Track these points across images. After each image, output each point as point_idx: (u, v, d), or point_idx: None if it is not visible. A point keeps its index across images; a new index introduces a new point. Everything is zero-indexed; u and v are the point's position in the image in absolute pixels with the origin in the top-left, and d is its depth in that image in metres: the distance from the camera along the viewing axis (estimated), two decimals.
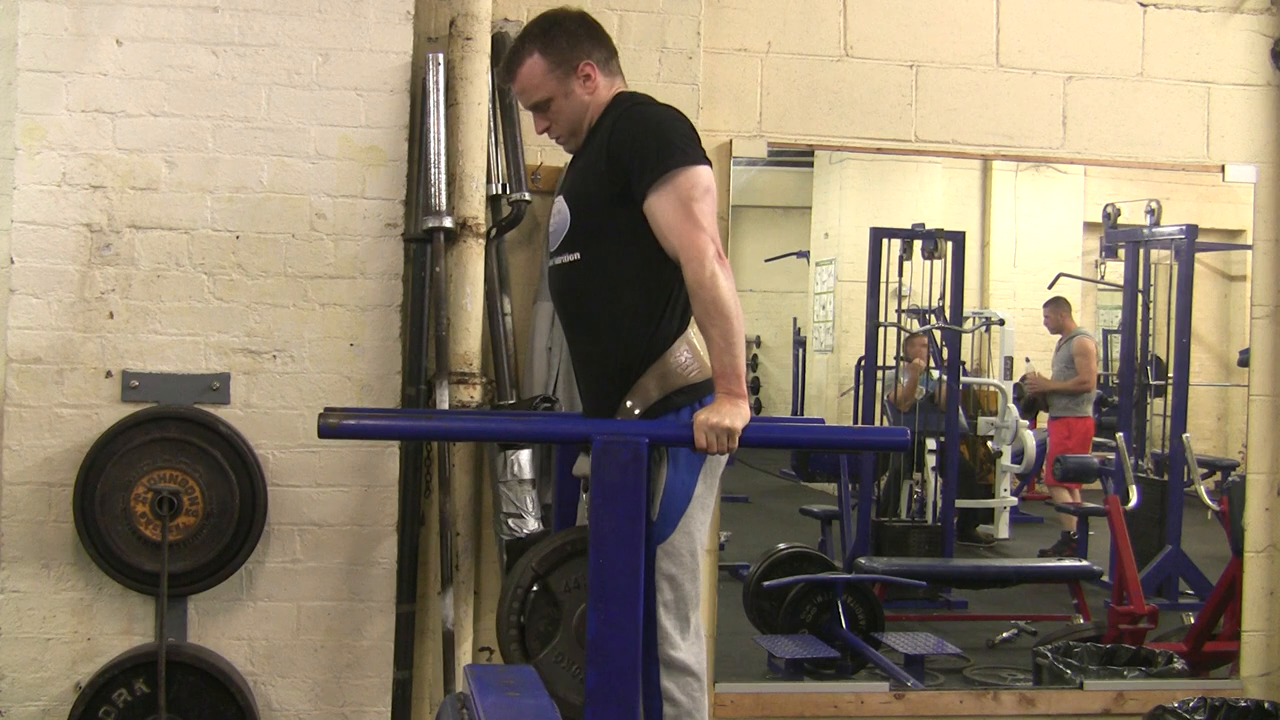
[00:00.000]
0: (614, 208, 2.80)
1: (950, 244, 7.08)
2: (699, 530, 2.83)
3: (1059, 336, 7.93)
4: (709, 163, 2.80)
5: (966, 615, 6.22)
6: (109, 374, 3.62)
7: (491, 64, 3.80)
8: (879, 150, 4.36)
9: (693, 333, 2.86)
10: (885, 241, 7.17)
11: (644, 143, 2.76)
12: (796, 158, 8.92)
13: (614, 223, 2.81)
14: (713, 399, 2.73)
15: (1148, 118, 4.45)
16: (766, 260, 10.41)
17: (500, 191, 3.83)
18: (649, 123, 2.81)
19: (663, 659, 2.76)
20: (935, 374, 7.41)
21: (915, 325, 7.51)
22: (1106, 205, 7.61)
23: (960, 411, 7.35)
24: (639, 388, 2.81)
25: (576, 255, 2.88)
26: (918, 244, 7.18)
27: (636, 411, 2.80)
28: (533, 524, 3.66)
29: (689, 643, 2.81)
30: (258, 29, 3.68)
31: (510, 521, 3.66)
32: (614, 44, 3.00)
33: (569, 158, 3.89)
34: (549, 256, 3.04)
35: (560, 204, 2.96)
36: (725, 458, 2.85)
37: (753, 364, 11.30)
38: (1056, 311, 7.94)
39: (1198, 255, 6.86)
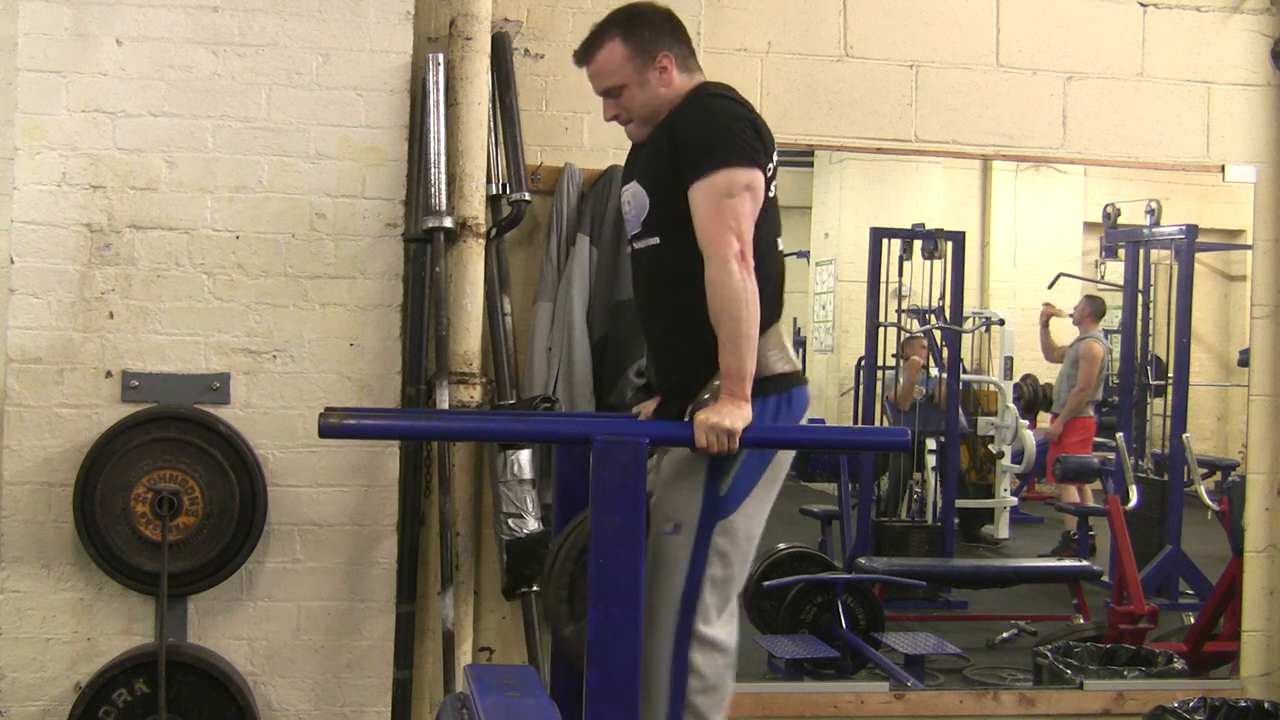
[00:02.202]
0: (685, 193, 2.76)
1: (950, 244, 7.07)
2: (757, 516, 2.83)
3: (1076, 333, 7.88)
4: (757, 164, 2.74)
5: (966, 615, 6.22)
6: (109, 374, 3.62)
7: (491, 64, 3.80)
8: (879, 150, 4.35)
9: (781, 327, 2.87)
10: (885, 241, 7.17)
11: (696, 135, 2.75)
12: (796, 158, 8.92)
13: (687, 209, 2.76)
14: (801, 392, 2.80)
15: (1148, 118, 4.44)
16: None
17: (500, 191, 3.83)
18: (707, 115, 2.79)
19: (696, 633, 2.76)
20: (934, 372, 7.41)
21: (915, 325, 7.50)
22: (1106, 205, 7.62)
23: (960, 411, 7.35)
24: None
25: (656, 240, 2.85)
26: (918, 244, 7.17)
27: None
28: (533, 524, 3.66)
29: (723, 621, 2.81)
30: (258, 29, 3.68)
31: (510, 521, 3.66)
32: (693, 44, 2.97)
33: (569, 157, 3.91)
34: (627, 243, 3.02)
35: (635, 188, 2.89)
36: (791, 454, 2.89)
37: None
38: (1085, 308, 7.78)
39: (1198, 255, 6.87)
